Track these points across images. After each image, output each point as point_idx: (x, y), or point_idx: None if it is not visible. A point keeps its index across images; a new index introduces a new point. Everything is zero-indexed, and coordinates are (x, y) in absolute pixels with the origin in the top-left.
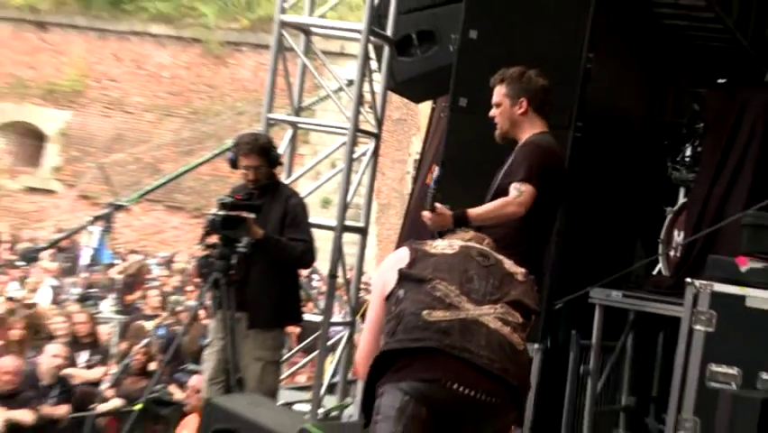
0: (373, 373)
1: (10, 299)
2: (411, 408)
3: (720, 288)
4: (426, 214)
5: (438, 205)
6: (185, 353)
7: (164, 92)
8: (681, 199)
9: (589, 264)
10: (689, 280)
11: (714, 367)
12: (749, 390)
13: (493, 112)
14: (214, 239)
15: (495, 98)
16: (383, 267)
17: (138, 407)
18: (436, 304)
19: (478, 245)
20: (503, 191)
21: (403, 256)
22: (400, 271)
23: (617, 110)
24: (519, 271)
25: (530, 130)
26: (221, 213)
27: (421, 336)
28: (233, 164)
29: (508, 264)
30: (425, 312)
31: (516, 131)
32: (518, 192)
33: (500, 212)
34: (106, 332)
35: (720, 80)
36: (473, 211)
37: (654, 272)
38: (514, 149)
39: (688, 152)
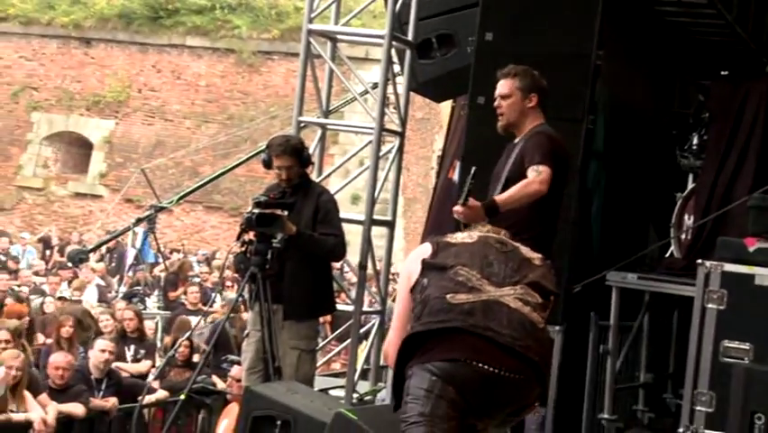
0: (402, 356)
1: (61, 298)
2: (438, 387)
3: (730, 267)
4: (458, 208)
5: (470, 199)
6: (233, 344)
7: (201, 100)
8: (690, 185)
9: (604, 249)
10: (700, 261)
11: (727, 343)
12: (761, 363)
13: (499, 103)
14: (250, 236)
15: (504, 90)
16: (408, 260)
17: (182, 397)
18: (459, 288)
19: (495, 235)
20: (517, 178)
21: (426, 249)
22: (423, 262)
23: (626, 103)
24: (536, 256)
25: (533, 122)
26: (256, 211)
27: (446, 317)
28: (267, 165)
29: (525, 250)
30: (448, 296)
31: (521, 122)
32: (537, 172)
33: (525, 191)
34: (151, 327)
35: (723, 72)
36: (500, 197)
37: (667, 255)
38: (513, 141)
39: (695, 141)
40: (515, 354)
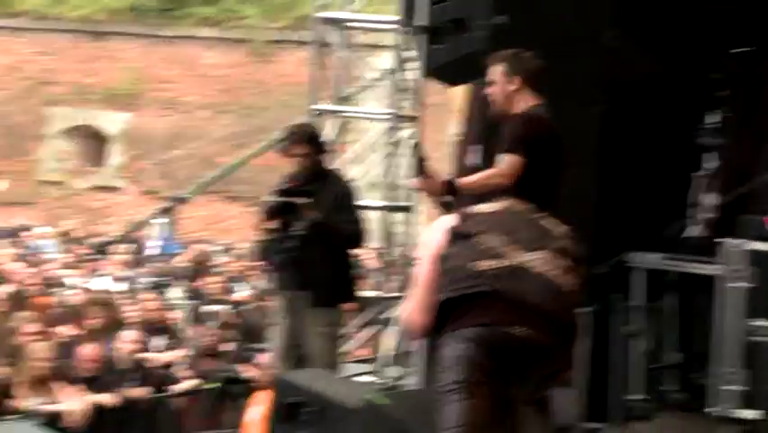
0: (433, 326)
1: (84, 290)
2: (470, 354)
3: (753, 245)
4: (415, 181)
5: (431, 169)
6: (259, 332)
7: (215, 90)
8: (709, 163)
9: (625, 230)
10: (722, 239)
11: (753, 321)
12: None
13: (489, 89)
14: (271, 224)
15: (490, 76)
16: (433, 228)
17: (210, 386)
18: (485, 255)
19: (519, 205)
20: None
21: (449, 220)
22: (449, 231)
23: (642, 81)
24: (560, 226)
25: (520, 105)
26: (276, 200)
27: (473, 283)
28: (284, 154)
29: (550, 220)
30: (474, 263)
31: (509, 107)
32: (503, 164)
33: (486, 182)
34: (176, 317)
35: (743, 48)
36: (462, 180)
37: (688, 234)
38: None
39: (714, 119)
40: (543, 317)
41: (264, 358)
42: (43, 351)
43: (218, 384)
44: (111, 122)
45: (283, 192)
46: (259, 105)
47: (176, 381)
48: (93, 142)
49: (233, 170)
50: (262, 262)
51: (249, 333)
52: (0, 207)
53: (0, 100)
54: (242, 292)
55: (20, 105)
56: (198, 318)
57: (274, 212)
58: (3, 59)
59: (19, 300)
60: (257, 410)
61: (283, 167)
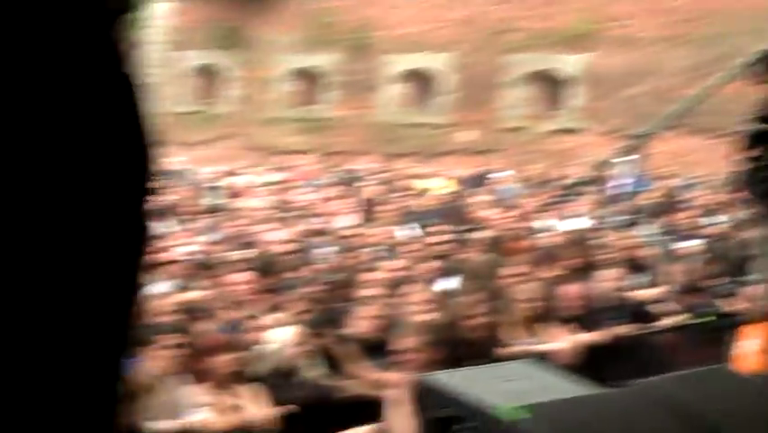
0: None
1: (558, 231)
2: None
3: None
4: None
5: None
6: (739, 265)
7: (669, 23)
8: None
9: None
10: None
11: None
12: None
13: None
14: (752, 153)
15: None
16: None
17: (700, 321)
18: None
19: None
20: None
21: None
22: None
23: None
24: None
25: None
26: (755, 127)
27: None
28: (756, 80)
29: None
30: None
31: None
32: None
33: None
34: (649, 254)
35: None
36: None
37: None
38: None
39: None
40: None
41: (750, 291)
42: (529, 292)
43: (708, 318)
44: (568, 64)
45: (762, 119)
46: (716, 33)
47: (660, 317)
48: (551, 85)
49: (696, 101)
50: (742, 193)
51: (731, 266)
52: (467, 156)
53: (460, 53)
54: (717, 225)
55: (478, 56)
56: (672, 254)
57: (754, 140)
58: (459, 13)
59: (497, 245)
60: (750, 344)
61: (749, 95)
